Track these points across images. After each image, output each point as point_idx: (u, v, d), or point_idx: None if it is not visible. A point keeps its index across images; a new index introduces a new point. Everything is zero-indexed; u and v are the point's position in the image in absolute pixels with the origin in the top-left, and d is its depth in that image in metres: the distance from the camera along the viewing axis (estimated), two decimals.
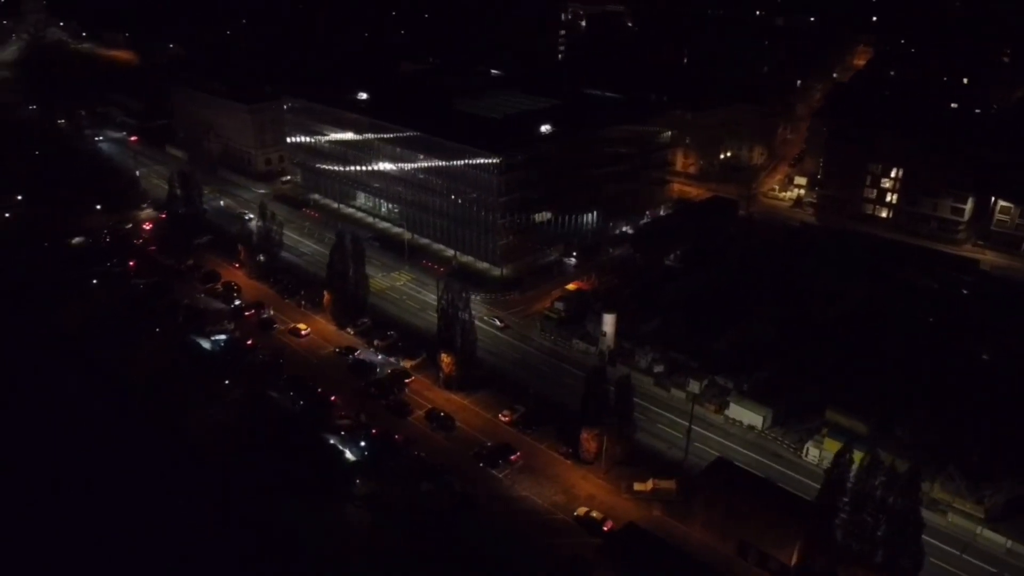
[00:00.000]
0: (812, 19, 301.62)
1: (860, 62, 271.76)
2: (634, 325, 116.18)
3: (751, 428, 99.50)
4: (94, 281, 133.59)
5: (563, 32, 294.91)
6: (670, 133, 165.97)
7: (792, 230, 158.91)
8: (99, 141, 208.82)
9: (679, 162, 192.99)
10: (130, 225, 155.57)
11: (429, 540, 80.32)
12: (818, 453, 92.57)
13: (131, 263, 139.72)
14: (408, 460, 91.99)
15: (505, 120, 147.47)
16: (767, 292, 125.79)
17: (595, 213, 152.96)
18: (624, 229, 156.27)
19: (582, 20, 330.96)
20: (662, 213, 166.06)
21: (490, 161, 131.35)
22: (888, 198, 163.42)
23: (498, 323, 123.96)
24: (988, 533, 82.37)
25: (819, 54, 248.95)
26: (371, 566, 78.23)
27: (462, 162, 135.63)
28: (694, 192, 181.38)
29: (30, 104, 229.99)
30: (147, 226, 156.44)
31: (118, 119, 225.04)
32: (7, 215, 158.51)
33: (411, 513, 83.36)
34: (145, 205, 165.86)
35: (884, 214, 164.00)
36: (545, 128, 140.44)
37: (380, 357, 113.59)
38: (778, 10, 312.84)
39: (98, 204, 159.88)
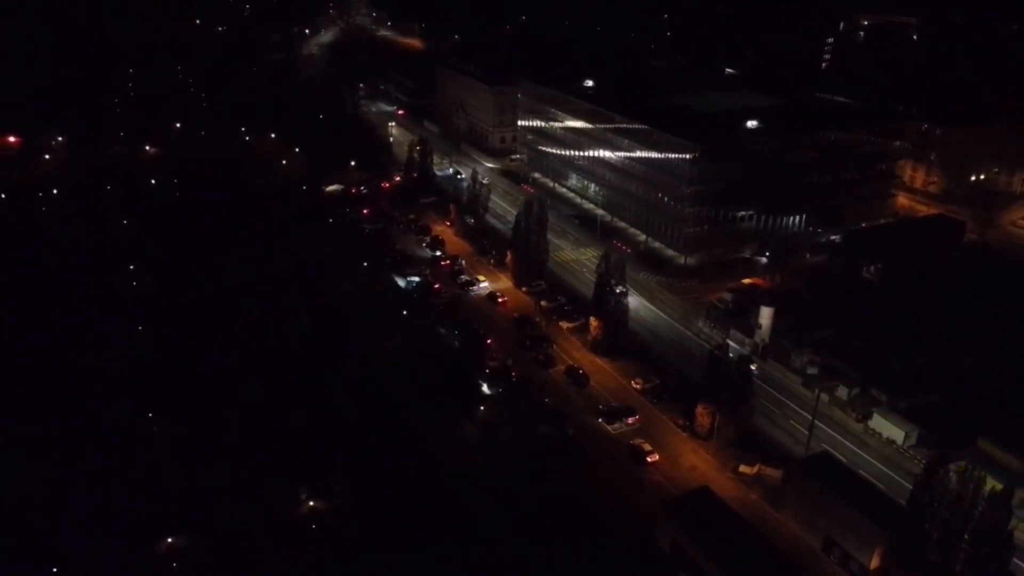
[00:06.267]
0: None
1: None
2: (804, 327, 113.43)
3: (891, 443, 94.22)
4: (331, 220, 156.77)
5: (830, 40, 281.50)
6: (899, 144, 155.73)
7: None
8: (370, 112, 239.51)
9: (919, 179, 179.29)
10: (375, 181, 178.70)
11: (528, 466, 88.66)
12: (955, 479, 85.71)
13: (364, 211, 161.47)
14: (534, 403, 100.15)
15: (713, 113, 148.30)
16: (972, 320, 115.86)
17: (801, 216, 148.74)
18: (831, 237, 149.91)
19: (860, 31, 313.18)
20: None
21: (684, 155, 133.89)
22: None
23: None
24: None
25: None
26: (476, 467, 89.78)
27: (662, 150, 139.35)
28: (925, 211, 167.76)
29: (327, 78, 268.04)
30: (389, 183, 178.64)
31: (393, 95, 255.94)
32: (284, 162, 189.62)
33: (522, 444, 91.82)
34: (392, 167, 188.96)
35: None
36: (752, 124, 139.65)
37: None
38: None
39: (353, 162, 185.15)
